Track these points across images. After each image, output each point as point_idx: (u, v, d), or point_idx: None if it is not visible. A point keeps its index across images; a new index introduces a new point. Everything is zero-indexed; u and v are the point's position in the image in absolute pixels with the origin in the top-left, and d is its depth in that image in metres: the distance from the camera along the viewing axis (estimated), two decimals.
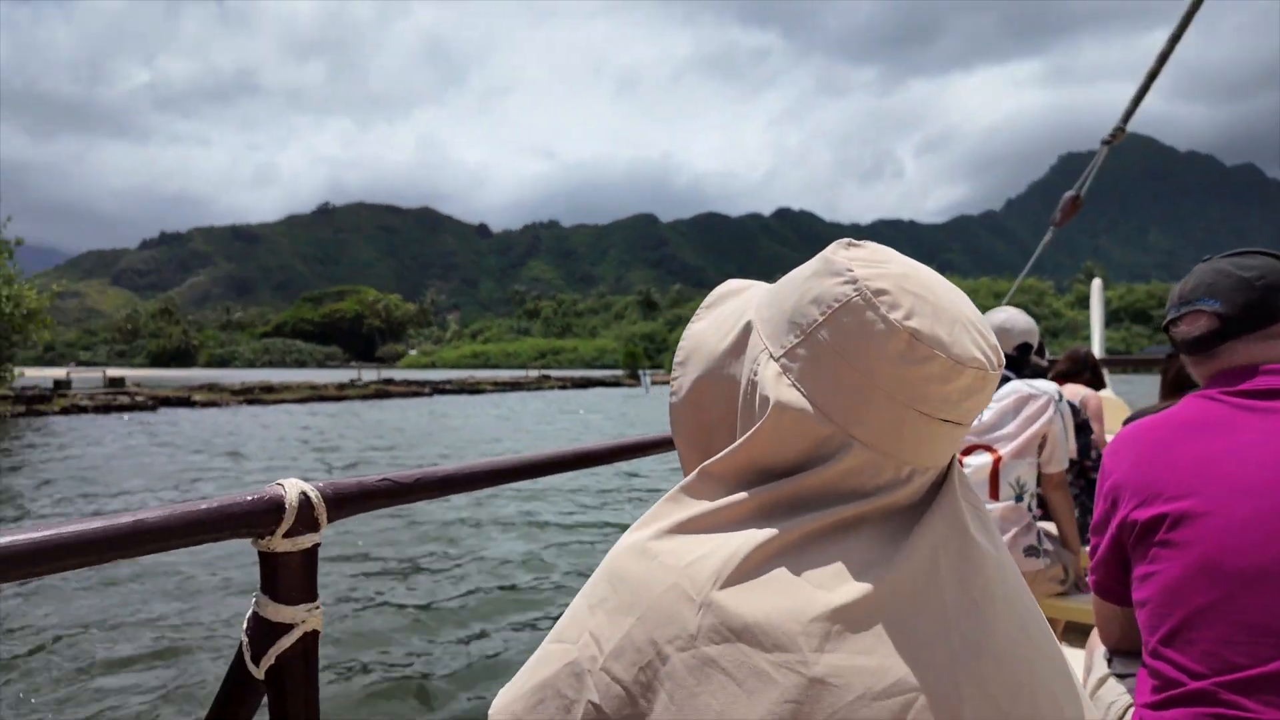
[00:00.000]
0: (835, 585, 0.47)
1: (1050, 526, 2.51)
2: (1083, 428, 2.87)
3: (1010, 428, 2.29)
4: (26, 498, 9.51)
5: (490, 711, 0.53)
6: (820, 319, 0.51)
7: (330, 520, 0.85)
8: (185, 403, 27.90)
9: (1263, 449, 0.99)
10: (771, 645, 0.45)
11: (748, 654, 0.45)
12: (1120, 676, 1.20)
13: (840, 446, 0.50)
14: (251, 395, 31.34)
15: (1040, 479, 2.35)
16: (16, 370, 32.93)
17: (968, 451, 2.31)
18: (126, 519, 0.70)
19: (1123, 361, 6.71)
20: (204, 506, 0.75)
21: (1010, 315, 2.58)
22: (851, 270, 0.52)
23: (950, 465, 0.55)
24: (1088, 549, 1.24)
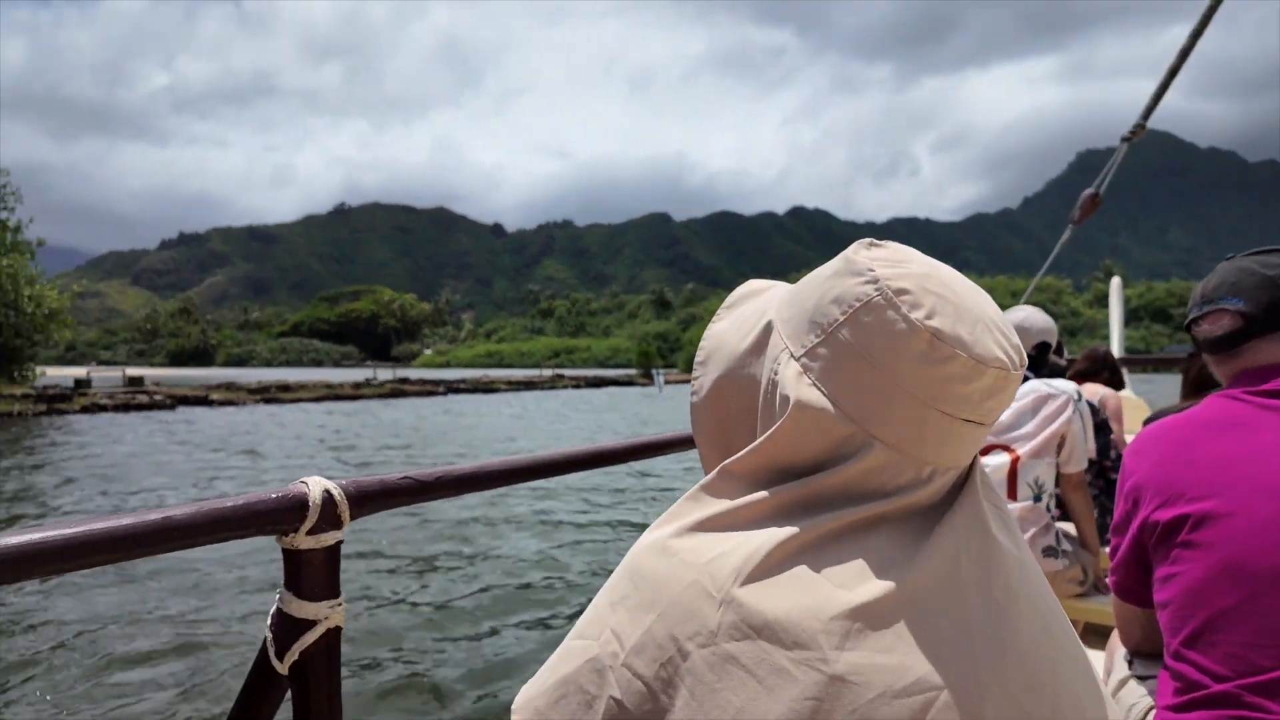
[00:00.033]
0: (856, 584, 0.47)
1: (1069, 527, 2.49)
2: (1102, 427, 2.84)
3: (1028, 427, 2.27)
4: (49, 495, 9.65)
5: (513, 706, 0.54)
6: (841, 318, 0.52)
7: (353, 518, 0.86)
8: (203, 401, 28.20)
9: None
10: (792, 642, 0.45)
11: (768, 651, 0.45)
12: (1141, 678, 1.19)
13: (861, 446, 0.51)
14: (268, 394, 31.62)
15: (1059, 479, 2.34)
16: (38, 369, 33.48)
17: (985, 451, 2.29)
18: (155, 516, 0.71)
19: (1142, 361, 6.63)
20: (230, 504, 0.76)
21: (1028, 314, 2.57)
22: (873, 270, 0.52)
23: (972, 465, 0.55)
24: (1107, 550, 1.23)
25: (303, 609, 0.82)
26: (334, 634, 0.85)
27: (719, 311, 0.66)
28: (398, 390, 37.34)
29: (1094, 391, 3.41)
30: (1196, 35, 3.41)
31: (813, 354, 0.53)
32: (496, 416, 23.91)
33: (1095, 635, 2.29)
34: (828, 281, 0.54)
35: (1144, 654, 1.22)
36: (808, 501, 0.51)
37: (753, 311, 0.62)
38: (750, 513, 0.51)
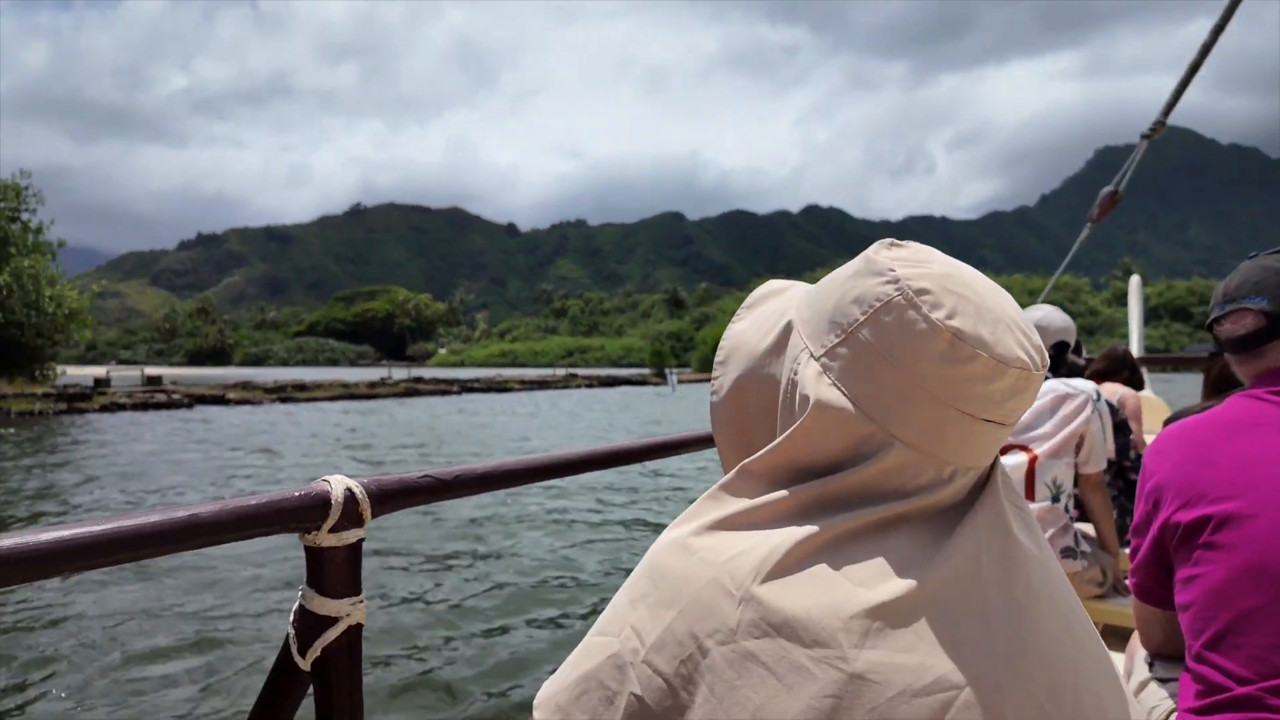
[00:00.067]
0: (875, 583, 0.47)
1: (1087, 528, 2.47)
2: (1121, 427, 2.82)
3: (1046, 427, 2.26)
4: (70, 493, 9.78)
5: (535, 701, 0.55)
6: (861, 318, 0.52)
7: (374, 516, 0.87)
8: (220, 400, 28.48)
9: None
10: (811, 640, 0.45)
11: (787, 649, 0.45)
12: (1162, 681, 1.18)
13: (881, 446, 0.51)
14: (284, 394, 31.88)
15: (1077, 480, 2.32)
16: (59, 369, 33.94)
17: (1002, 451, 2.28)
18: (181, 514, 0.72)
19: (1162, 360, 6.55)
20: (254, 502, 0.77)
21: (1046, 313, 2.55)
22: (893, 270, 0.52)
23: (993, 465, 0.55)
24: (1127, 551, 1.22)
25: (325, 606, 0.83)
26: (355, 631, 0.86)
27: (739, 311, 0.66)
28: (412, 390, 37.55)
29: (1113, 391, 3.38)
30: (1219, 30, 3.37)
31: (833, 354, 0.53)
32: (510, 416, 23.99)
33: (1114, 637, 2.27)
34: (848, 281, 0.54)
35: (1165, 656, 1.21)
36: (827, 501, 0.51)
37: (772, 311, 0.62)
38: (770, 512, 0.52)
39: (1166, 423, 1.51)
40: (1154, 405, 4.22)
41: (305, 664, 0.84)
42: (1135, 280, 5.97)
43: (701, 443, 1.56)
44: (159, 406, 25.72)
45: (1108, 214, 4.05)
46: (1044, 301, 4.03)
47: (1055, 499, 2.25)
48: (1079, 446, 2.27)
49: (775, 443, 0.54)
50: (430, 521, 7.59)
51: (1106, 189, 4.01)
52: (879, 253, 0.54)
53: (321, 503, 0.81)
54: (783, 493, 0.52)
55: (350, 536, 0.84)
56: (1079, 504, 2.42)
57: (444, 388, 39.56)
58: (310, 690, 0.88)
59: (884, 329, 0.51)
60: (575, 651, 0.55)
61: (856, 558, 0.48)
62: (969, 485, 0.53)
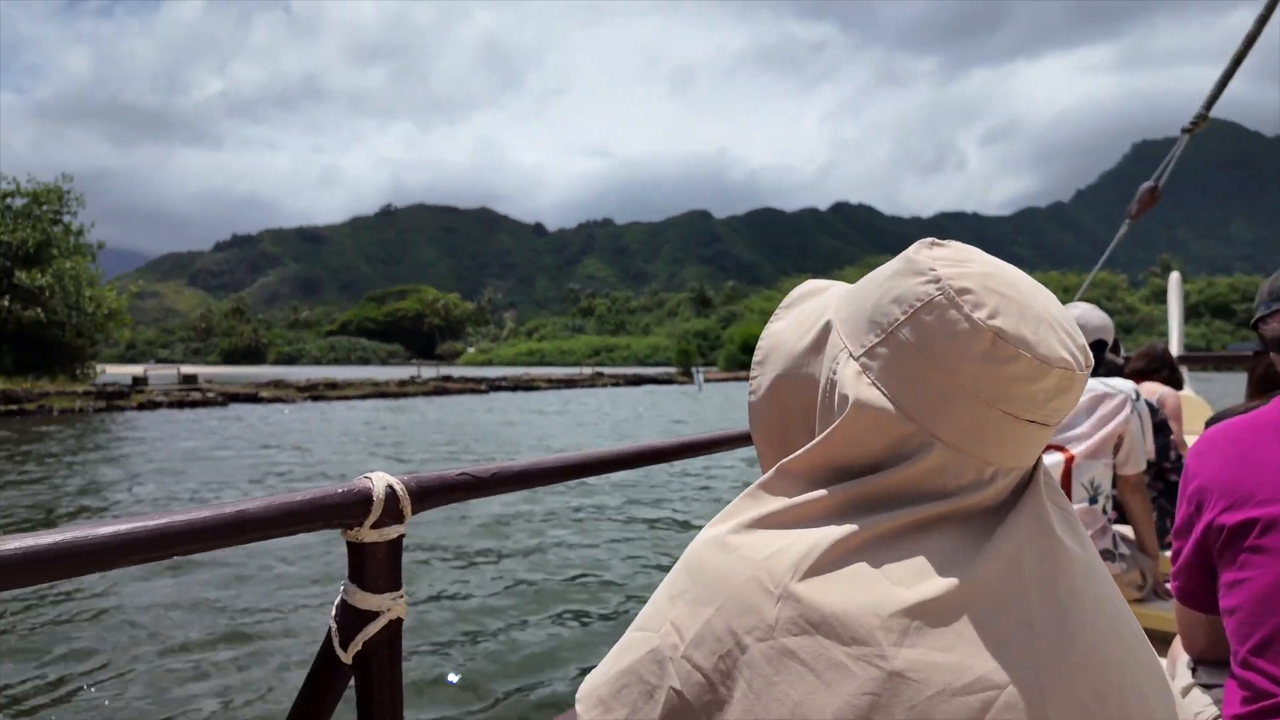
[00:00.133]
0: (915, 582, 0.47)
1: (1126, 530, 2.43)
2: (1161, 428, 2.76)
3: (1084, 427, 2.22)
4: (111, 490, 10.04)
5: (577, 695, 0.56)
6: (902, 318, 0.52)
7: (414, 512, 0.88)
8: (253, 399, 29.01)
9: None
10: (849, 638, 0.45)
11: (825, 646, 0.45)
12: (1206, 687, 1.16)
13: (921, 446, 0.51)
14: (316, 392, 32.39)
15: (1116, 481, 2.28)
16: (99, 367, 34.82)
17: None
18: (230, 510, 0.74)
19: (1203, 359, 6.39)
20: (299, 498, 0.79)
21: (1084, 311, 2.51)
22: (934, 269, 0.52)
23: (1036, 466, 0.55)
24: (1167, 554, 1.20)
25: (366, 600, 0.85)
26: (395, 625, 0.88)
27: (776, 311, 0.66)
28: (440, 388, 37.91)
29: (1152, 390, 3.31)
30: (1264, 19, 3.28)
31: (872, 353, 0.53)
32: (538, 415, 24.12)
33: (1154, 641, 2.22)
34: (888, 281, 0.54)
35: (1208, 661, 1.19)
36: (867, 500, 0.51)
37: (811, 311, 0.62)
38: (808, 510, 0.52)
39: (1209, 423, 1.48)
40: (1194, 405, 4.12)
41: (347, 657, 0.86)
42: (1175, 277, 5.84)
43: (733, 442, 1.56)
44: (194, 405, 26.28)
45: (1147, 210, 3.96)
46: (1080, 299, 3.96)
47: (1093, 500, 2.21)
48: (1117, 447, 2.23)
49: (814, 442, 0.54)
50: (458, 518, 7.67)
51: (1146, 184, 3.92)
52: (919, 252, 0.54)
53: (364, 499, 0.83)
54: (821, 492, 0.52)
55: (391, 532, 0.86)
56: (1117, 505, 2.38)
57: (472, 386, 39.88)
58: (351, 682, 0.90)
59: (925, 329, 0.51)
60: (616, 646, 0.56)
61: (896, 557, 0.48)
62: (1011, 486, 0.53)
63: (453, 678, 4.01)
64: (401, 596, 0.88)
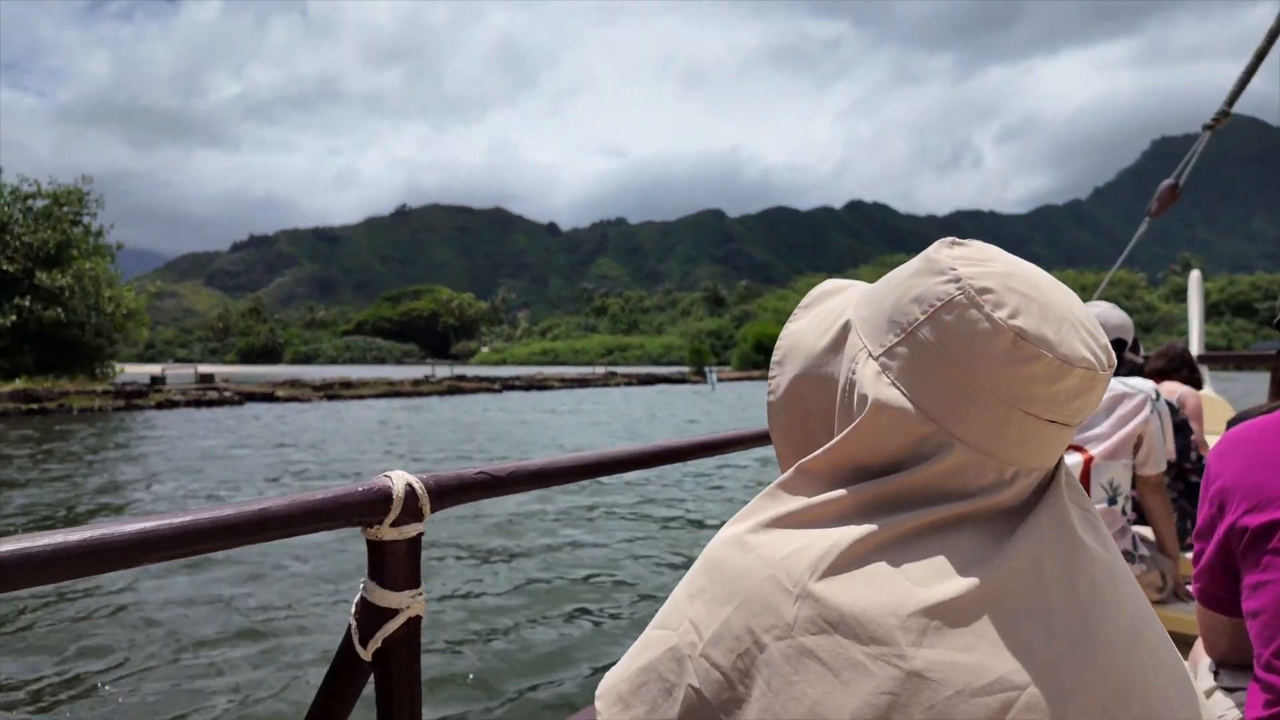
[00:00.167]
0: (934, 582, 0.47)
1: (1145, 531, 2.41)
2: (1181, 428, 2.73)
3: (1103, 427, 2.20)
4: (130, 488, 10.16)
5: (597, 692, 0.56)
6: (922, 318, 0.52)
7: (433, 511, 0.89)
8: (269, 398, 29.24)
9: None
10: (868, 638, 0.45)
11: (844, 645, 0.45)
12: (1228, 690, 1.15)
13: (941, 446, 0.50)
14: (332, 391, 32.61)
15: (1135, 481, 2.26)
16: (119, 366, 35.24)
17: None
18: (253, 508, 0.75)
19: (1224, 358, 6.32)
20: (320, 497, 0.80)
21: (1102, 310, 2.49)
22: (955, 269, 0.52)
23: (1057, 467, 0.55)
24: (1189, 556, 1.19)
25: (385, 598, 0.86)
26: (415, 623, 0.88)
27: (796, 311, 0.66)
28: (455, 387, 38.07)
29: (1172, 390, 3.28)
30: None
31: (891, 353, 0.53)
32: (551, 414, 24.18)
33: (1175, 643, 2.20)
34: (908, 280, 0.54)
35: (1230, 664, 1.18)
36: (886, 500, 0.51)
37: (830, 311, 0.62)
38: (827, 510, 0.52)
39: (1231, 423, 1.47)
40: (1215, 405, 4.08)
41: (366, 654, 0.87)
42: (1195, 275, 5.77)
43: (748, 441, 1.56)
44: (211, 404, 26.54)
45: (1168, 208, 3.91)
46: (1099, 298, 3.91)
47: (1112, 501, 2.19)
48: (1137, 447, 2.21)
49: (833, 442, 0.54)
50: (471, 516, 7.70)
51: (1166, 182, 3.87)
52: (940, 251, 0.54)
53: (384, 497, 0.84)
54: (841, 491, 0.52)
55: (411, 530, 0.87)
56: (1136, 506, 2.36)
57: (486, 385, 40.02)
58: (371, 679, 0.91)
59: (945, 328, 0.50)
60: (636, 644, 0.56)
61: (915, 557, 0.48)
62: (1032, 486, 0.52)
63: (467, 675, 4.03)
64: (420, 594, 0.88)
